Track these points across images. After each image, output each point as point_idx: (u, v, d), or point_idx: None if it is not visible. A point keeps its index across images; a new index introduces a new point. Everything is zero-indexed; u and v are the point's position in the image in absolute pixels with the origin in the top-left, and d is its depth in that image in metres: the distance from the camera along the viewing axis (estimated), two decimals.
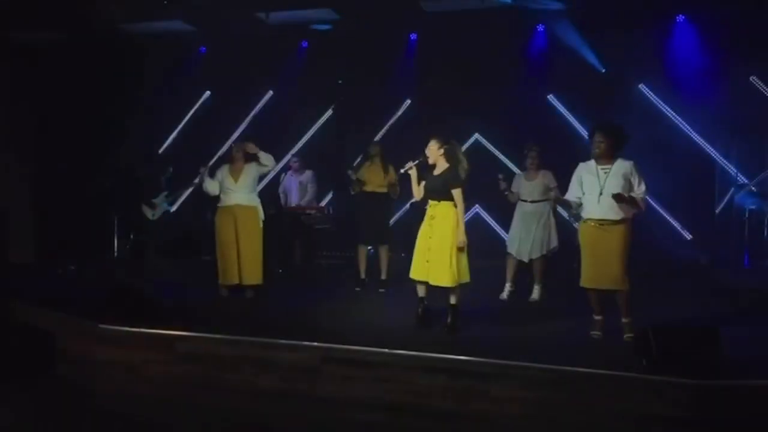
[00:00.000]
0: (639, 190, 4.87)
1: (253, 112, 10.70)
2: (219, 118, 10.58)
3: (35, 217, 10.08)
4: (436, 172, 5.38)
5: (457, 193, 5.21)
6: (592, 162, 4.99)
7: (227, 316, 5.76)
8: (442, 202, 5.25)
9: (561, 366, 4.06)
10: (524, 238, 6.45)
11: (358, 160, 7.62)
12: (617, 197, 4.73)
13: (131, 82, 9.85)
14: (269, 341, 4.62)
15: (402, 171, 5.55)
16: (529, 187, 6.48)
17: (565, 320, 5.73)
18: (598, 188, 4.89)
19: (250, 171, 6.50)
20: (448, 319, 5.23)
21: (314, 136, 10.45)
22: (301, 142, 10.37)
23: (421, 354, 4.30)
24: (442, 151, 5.35)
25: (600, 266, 4.86)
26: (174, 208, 10.77)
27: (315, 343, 4.54)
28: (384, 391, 4.26)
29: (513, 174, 7.13)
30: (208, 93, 10.94)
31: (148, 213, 9.02)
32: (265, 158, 6.43)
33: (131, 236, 9.34)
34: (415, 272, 5.32)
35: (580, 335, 5.09)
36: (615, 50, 8.65)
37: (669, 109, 8.97)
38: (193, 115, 11.03)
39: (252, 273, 6.40)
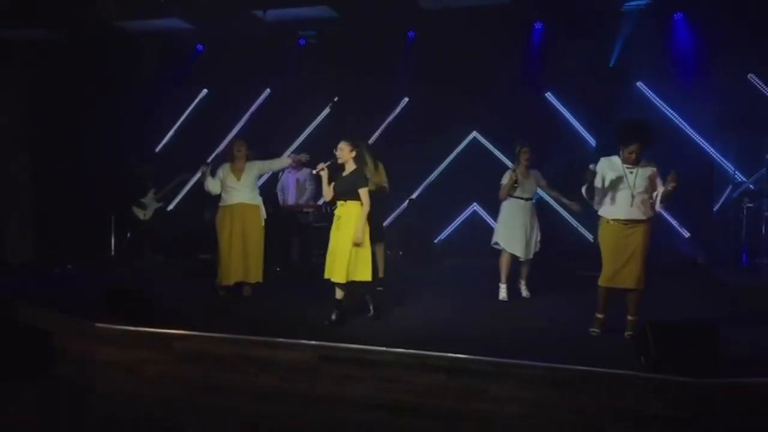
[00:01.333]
0: (660, 188, 4.89)
1: (250, 111, 10.66)
2: (216, 117, 10.55)
3: (34, 216, 10.06)
4: (345, 173, 5.51)
5: (363, 192, 5.37)
6: (617, 159, 4.96)
7: (226, 314, 5.76)
8: (349, 202, 5.40)
9: (560, 365, 4.06)
10: (523, 236, 6.40)
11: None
12: (669, 193, 4.73)
13: (128, 80, 9.87)
14: (268, 340, 4.61)
15: (314, 172, 5.66)
16: (525, 184, 6.45)
17: (560, 317, 5.75)
18: (628, 189, 4.87)
19: (252, 169, 6.52)
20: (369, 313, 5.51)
21: (312, 135, 10.41)
22: (298, 140, 10.35)
23: (421, 352, 4.29)
24: (354, 153, 5.49)
25: (623, 266, 4.88)
26: (171, 206, 10.83)
27: (314, 342, 4.53)
28: (384, 390, 4.26)
29: None
30: (205, 91, 10.89)
31: (139, 213, 8.99)
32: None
33: (127, 235, 9.33)
34: (327, 272, 5.47)
35: (577, 332, 5.11)
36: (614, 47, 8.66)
37: (667, 107, 8.98)
38: (190, 113, 10.99)
39: (255, 271, 6.45)
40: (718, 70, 8.26)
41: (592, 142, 9.27)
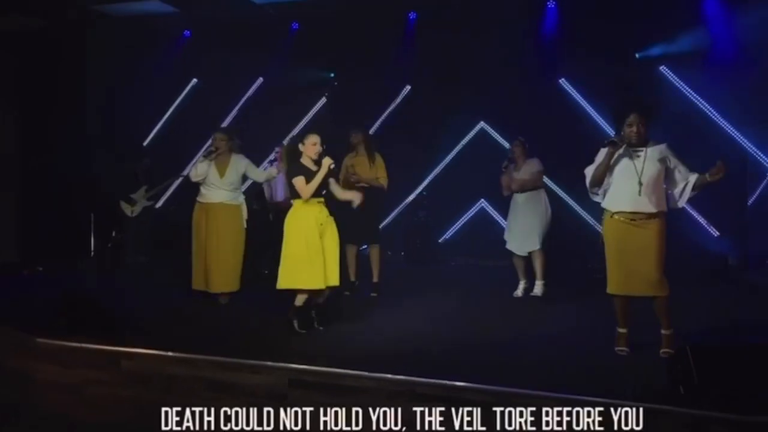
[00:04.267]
0: (690, 175, 4.12)
1: (242, 101, 10.03)
2: (207, 108, 9.90)
3: (18, 214, 9.47)
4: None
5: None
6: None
7: (192, 327, 5.05)
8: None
9: (578, 396, 3.29)
10: (519, 231, 6.14)
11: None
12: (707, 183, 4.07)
13: (112, 69, 9.29)
14: (228, 361, 3.90)
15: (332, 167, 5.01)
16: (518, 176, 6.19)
17: (579, 330, 4.98)
18: (635, 176, 4.08)
19: (238, 166, 5.84)
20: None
21: (307, 126, 9.73)
22: (293, 132, 9.65)
23: (412, 379, 3.55)
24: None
25: (632, 269, 4.11)
26: (160, 204, 10.19)
27: (282, 364, 3.81)
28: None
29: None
30: (194, 81, 10.24)
31: (127, 210, 8.37)
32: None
33: (113, 234, 8.71)
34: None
35: (602, 351, 4.32)
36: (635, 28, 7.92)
37: (694, 93, 8.23)
38: (179, 104, 10.37)
39: (228, 280, 5.76)
40: (753, 53, 7.49)
41: (611, 132, 8.48)
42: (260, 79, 9.94)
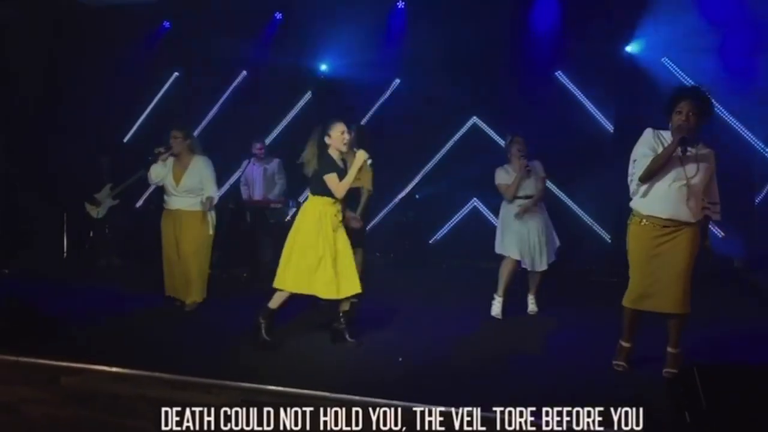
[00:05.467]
0: (716, 194, 3.74)
1: (225, 95, 9.62)
2: (189, 103, 9.50)
3: None
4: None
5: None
6: (667, 134, 3.69)
7: (147, 340, 4.58)
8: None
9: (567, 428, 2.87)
10: (531, 241, 5.36)
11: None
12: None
13: (89, 62, 8.92)
14: (177, 378, 3.49)
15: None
16: (523, 180, 5.41)
17: (573, 341, 4.56)
18: (683, 178, 3.59)
19: (196, 171, 5.33)
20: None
21: (293, 122, 9.33)
22: (279, 127, 9.30)
23: (371, 400, 3.13)
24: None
25: (656, 282, 3.67)
26: (140, 203, 9.77)
27: (235, 383, 3.39)
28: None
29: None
30: (176, 74, 9.82)
31: (92, 211, 8.00)
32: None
33: (90, 234, 8.32)
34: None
35: (595, 364, 3.90)
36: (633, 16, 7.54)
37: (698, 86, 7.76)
38: (160, 99, 9.96)
39: (192, 289, 5.36)
40: (758, 43, 7.12)
41: (609, 127, 8.10)
42: (243, 73, 9.53)
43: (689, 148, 3.58)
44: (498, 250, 5.48)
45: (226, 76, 9.57)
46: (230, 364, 3.84)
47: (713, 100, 3.75)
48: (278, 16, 8.82)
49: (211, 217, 5.42)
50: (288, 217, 8.81)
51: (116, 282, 6.96)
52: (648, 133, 3.71)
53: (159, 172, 5.34)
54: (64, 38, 8.68)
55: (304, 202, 4.75)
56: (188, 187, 5.31)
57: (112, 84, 9.05)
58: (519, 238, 5.34)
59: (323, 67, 9.05)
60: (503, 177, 5.44)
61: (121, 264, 8.19)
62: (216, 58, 8.93)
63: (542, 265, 5.39)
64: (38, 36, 8.76)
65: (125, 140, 10.02)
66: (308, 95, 9.20)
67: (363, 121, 8.82)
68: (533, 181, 5.41)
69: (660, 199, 3.65)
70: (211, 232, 5.40)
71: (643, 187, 3.71)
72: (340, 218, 4.47)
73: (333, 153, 4.41)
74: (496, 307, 5.30)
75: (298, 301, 4.53)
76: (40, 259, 7.86)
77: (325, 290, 4.28)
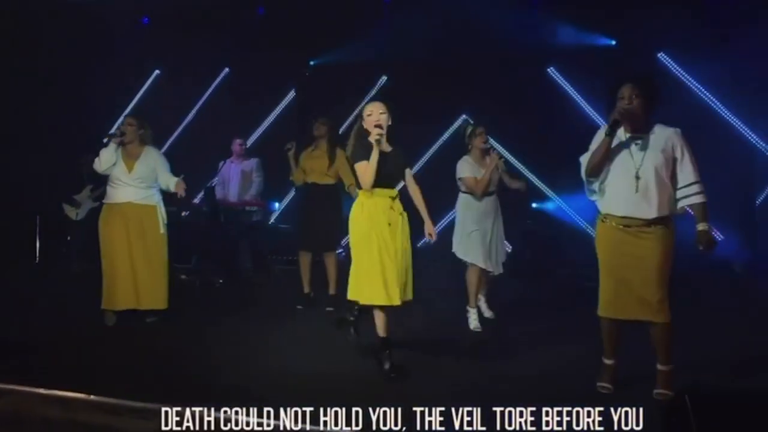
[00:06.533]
0: (691, 174, 3.26)
1: (207, 93, 9.36)
2: (170, 101, 9.21)
3: None
4: (388, 149, 3.93)
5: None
6: (620, 129, 3.33)
7: (89, 357, 4.16)
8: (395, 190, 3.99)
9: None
10: (491, 243, 5.00)
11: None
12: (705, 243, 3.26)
13: (66, 58, 8.61)
14: (110, 402, 3.16)
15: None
16: (494, 174, 4.99)
17: (556, 356, 4.21)
18: (632, 168, 3.25)
19: (149, 160, 4.91)
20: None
21: (276, 120, 9.10)
22: (262, 126, 9.03)
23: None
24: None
25: (625, 286, 3.32)
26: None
27: (177, 408, 3.05)
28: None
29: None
30: (157, 72, 9.53)
31: (71, 213, 7.69)
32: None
33: (68, 238, 8.02)
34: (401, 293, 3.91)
35: (580, 384, 3.55)
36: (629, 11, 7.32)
37: (696, 83, 7.67)
38: (141, 98, 9.72)
39: (151, 295, 4.89)
40: (760, 39, 6.89)
41: (603, 125, 7.77)
42: (226, 70, 9.24)
43: (640, 137, 3.25)
44: (460, 254, 5.00)
45: (206, 74, 9.34)
46: (183, 386, 3.50)
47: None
48: (261, 10, 8.59)
49: (162, 214, 5.00)
50: (272, 220, 8.54)
51: (83, 288, 6.62)
52: (602, 128, 3.38)
53: (109, 158, 4.84)
54: (42, 34, 8.37)
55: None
56: (142, 174, 4.86)
57: (92, 81, 8.79)
58: (481, 241, 4.93)
59: (310, 63, 8.79)
60: (470, 170, 4.95)
61: (93, 269, 7.86)
62: (197, 55, 8.69)
63: (499, 268, 5.08)
64: (13, 32, 8.48)
65: (105, 140, 9.73)
66: (292, 94, 8.92)
67: (348, 120, 8.57)
68: (496, 175, 5.00)
69: (613, 195, 3.32)
70: (162, 230, 5.00)
71: (596, 184, 3.38)
72: (397, 214, 3.91)
73: (371, 139, 3.85)
74: (473, 321, 4.90)
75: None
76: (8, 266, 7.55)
77: (386, 297, 3.80)
